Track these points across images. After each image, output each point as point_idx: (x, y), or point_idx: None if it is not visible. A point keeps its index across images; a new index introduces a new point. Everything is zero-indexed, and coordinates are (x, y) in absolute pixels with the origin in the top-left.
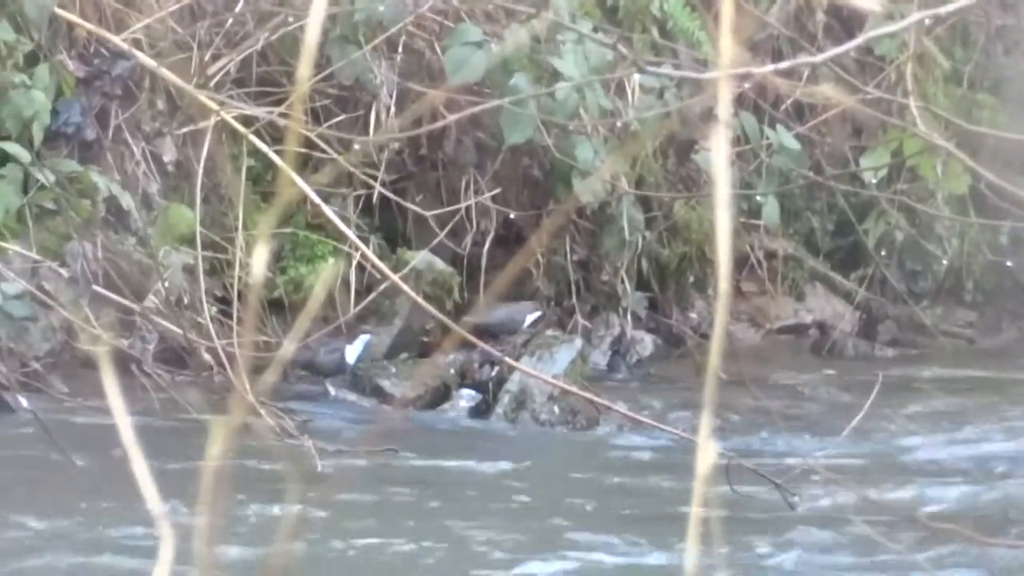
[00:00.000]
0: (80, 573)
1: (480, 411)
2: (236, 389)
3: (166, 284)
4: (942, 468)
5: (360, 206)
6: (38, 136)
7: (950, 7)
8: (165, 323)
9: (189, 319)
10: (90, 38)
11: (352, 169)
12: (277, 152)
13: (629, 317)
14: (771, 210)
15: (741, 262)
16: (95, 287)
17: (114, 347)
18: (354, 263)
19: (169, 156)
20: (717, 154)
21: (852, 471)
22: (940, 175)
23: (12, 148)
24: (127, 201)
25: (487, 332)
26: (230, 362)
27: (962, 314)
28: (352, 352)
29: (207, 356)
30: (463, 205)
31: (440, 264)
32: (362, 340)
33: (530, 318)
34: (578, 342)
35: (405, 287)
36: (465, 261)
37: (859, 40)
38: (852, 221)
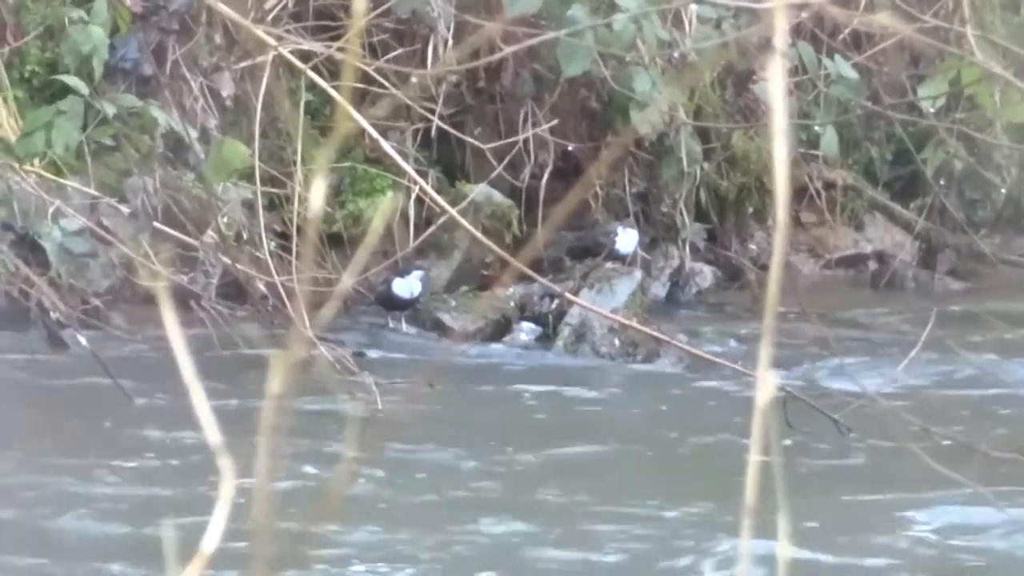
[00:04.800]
0: (140, 506)
1: (540, 344)
2: (295, 324)
3: (225, 219)
4: (1005, 400)
5: (418, 140)
6: (98, 70)
7: None
8: (224, 258)
9: (248, 254)
10: None
11: (410, 103)
12: (335, 87)
13: (688, 248)
14: (829, 140)
15: (800, 193)
16: (155, 223)
17: (174, 282)
18: (413, 197)
19: (227, 91)
20: (774, 84)
21: (913, 403)
22: (998, 104)
23: (72, 81)
24: (187, 136)
25: (578, 252)
26: (289, 297)
27: (1021, 242)
28: (402, 286)
29: (266, 291)
30: (521, 137)
31: (499, 197)
32: (416, 275)
33: (623, 235)
34: (638, 274)
35: (463, 221)
36: (524, 194)
37: None
38: (911, 151)
